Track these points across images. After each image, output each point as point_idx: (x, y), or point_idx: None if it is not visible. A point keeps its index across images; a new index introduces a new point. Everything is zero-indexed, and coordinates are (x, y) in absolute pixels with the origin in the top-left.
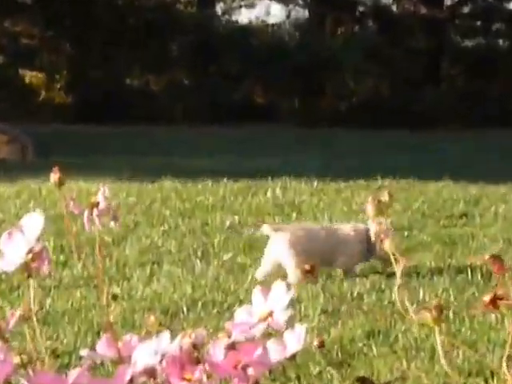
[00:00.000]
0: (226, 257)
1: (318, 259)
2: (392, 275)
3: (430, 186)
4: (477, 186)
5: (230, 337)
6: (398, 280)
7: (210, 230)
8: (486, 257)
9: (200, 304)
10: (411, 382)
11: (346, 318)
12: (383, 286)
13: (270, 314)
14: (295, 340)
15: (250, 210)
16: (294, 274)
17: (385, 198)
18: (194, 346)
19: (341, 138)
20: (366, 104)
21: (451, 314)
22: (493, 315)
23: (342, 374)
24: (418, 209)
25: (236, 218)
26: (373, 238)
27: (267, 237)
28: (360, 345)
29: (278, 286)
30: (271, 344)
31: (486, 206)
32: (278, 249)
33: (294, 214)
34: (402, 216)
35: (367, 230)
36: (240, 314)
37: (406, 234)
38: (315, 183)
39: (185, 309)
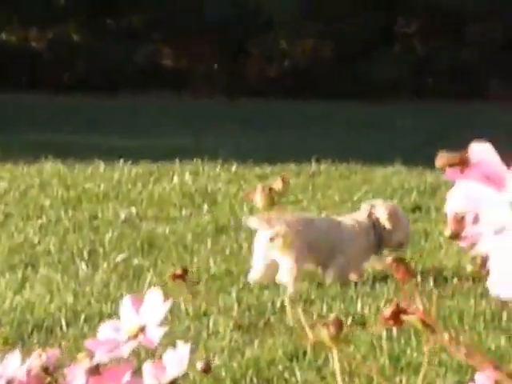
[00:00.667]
0: (118, 258)
1: (318, 258)
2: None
3: (377, 173)
4: (434, 172)
5: (92, 358)
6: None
7: (100, 224)
8: (388, 260)
9: (83, 316)
10: None
11: (265, 335)
12: (313, 296)
13: (142, 330)
14: (176, 362)
15: (152, 200)
16: (289, 273)
17: (277, 185)
18: (46, 370)
19: (268, 111)
20: (302, 69)
21: (395, 332)
22: (445, 333)
23: None
24: (360, 200)
25: (133, 209)
26: (385, 225)
27: (254, 231)
28: (280, 368)
29: (152, 295)
30: (146, 367)
31: (444, 198)
32: (272, 245)
33: (206, 206)
34: (340, 209)
35: (375, 218)
36: (105, 329)
37: None
38: (234, 167)
39: (64, 322)
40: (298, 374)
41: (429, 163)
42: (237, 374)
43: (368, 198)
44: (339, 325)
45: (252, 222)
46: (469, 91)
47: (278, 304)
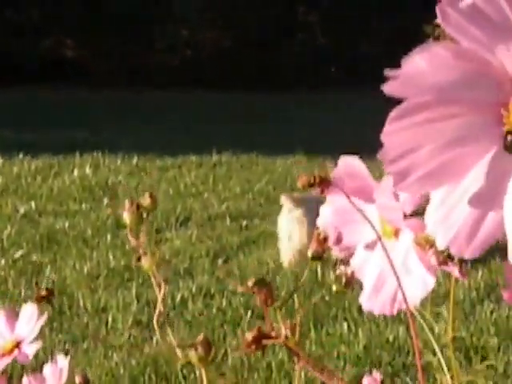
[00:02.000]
0: (17, 254)
1: None
2: (229, 274)
3: (278, 163)
4: (335, 161)
5: None
6: None
7: None
8: (250, 284)
9: None
10: None
11: (165, 331)
12: (213, 290)
13: (18, 346)
14: (56, 375)
15: (51, 194)
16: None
17: (145, 201)
18: None
19: (170, 103)
20: (204, 60)
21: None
22: (345, 324)
23: None
24: (261, 191)
25: (32, 204)
26: None
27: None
28: (179, 366)
29: (27, 309)
30: (25, 381)
31: None
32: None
33: (106, 200)
34: (240, 200)
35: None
36: None
37: (244, 223)
38: (135, 160)
39: None
40: (196, 370)
41: (330, 152)
42: (135, 371)
43: (269, 189)
44: (207, 345)
45: (284, 200)
46: (370, 82)
47: (178, 298)
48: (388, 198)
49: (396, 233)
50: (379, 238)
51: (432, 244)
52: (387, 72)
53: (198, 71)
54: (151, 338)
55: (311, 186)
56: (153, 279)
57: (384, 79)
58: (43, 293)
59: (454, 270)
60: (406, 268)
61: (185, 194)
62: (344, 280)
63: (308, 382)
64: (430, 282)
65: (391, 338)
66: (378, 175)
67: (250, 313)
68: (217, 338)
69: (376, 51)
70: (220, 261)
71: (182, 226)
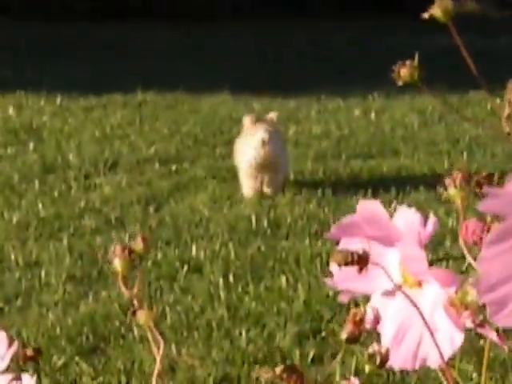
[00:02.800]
0: None
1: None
2: (161, 223)
3: (204, 102)
4: (261, 99)
5: None
6: None
7: None
8: (278, 371)
9: None
10: (182, 373)
11: (99, 286)
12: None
13: None
14: None
15: None
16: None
17: (138, 246)
18: None
19: (92, 36)
20: None
21: (231, 278)
22: (283, 277)
23: (94, 365)
24: (189, 133)
25: None
26: None
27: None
28: (117, 324)
29: None
30: None
31: None
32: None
33: (32, 143)
34: (168, 143)
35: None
36: None
37: (174, 167)
38: (58, 99)
39: None
40: (134, 329)
41: (256, 90)
42: (72, 331)
43: (196, 130)
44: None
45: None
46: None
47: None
48: (412, 248)
49: (419, 282)
50: (400, 288)
51: (468, 305)
52: (487, 189)
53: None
54: (86, 294)
55: (348, 264)
56: (149, 335)
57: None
58: (29, 353)
59: (492, 334)
60: (431, 322)
61: (110, 136)
62: (378, 360)
63: (250, 340)
64: (458, 339)
65: (331, 294)
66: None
67: (186, 266)
68: (153, 294)
69: None
70: (151, 208)
71: (110, 170)
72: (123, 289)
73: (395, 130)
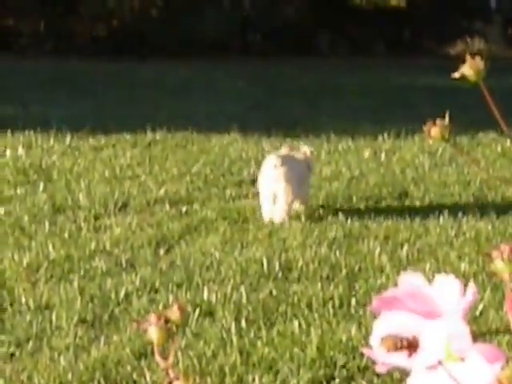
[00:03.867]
0: None
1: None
2: (172, 265)
3: (213, 142)
4: (272, 138)
5: None
6: None
7: None
8: None
9: None
10: None
11: (111, 330)
12: (157, 284)
13: None
14: None
15: None
16: (284, 210)
17: (175, 315)
18: None
19: (101, 75)
20: (131, 29)
21: (244, 322)
22: (296, 322)
23: None
24: (199, 173)
25: None
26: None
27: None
28: (129, 369)
29: None
30: None
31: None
32: (277, 184)
33: (42, 183)
34: (178, 183)
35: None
36: None
37: (184, 208)
38: (68, 139)
39: None
40: (147, 374)
41: (264, 130)
42: (84, 377)
43: (206, 171)
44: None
45: (272, 160)
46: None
47: (122, 293)
48: (456, 324)
49: (462, 358)
50: (441, 363)
51: None
52: None
53: (125, 39)
54: (97, 338)
55: (397, 349)
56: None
57: None
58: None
59: None
60: None
61: (121, 178)
62: None
63: None
64: None
65: (344, 339)
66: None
67: (198, 310)
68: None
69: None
70: (162, 250)
71: (120, 211)
72: (159, 359)
73: (405, 171)
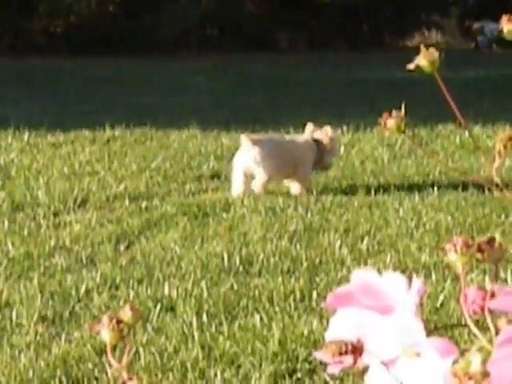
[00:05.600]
0: None
1: (285, 171)
2: (132, 261)
3: (172, 137)
4: (231, 133)
5: None
6: None
7: None
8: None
9: None
10: None
11: (72, 327)
12: (118, 280)
13: None
14: None
15: None
16: (259, 186)
17: (126, 315)
18: None
19: (58, 72)
20: (89, 25)
21: (205, 317)
22: (257, 316)
23: None
24: (159, 169)
25: None
26: (326, 146)
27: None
28: (90, 366)
29: None
30: None
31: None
32: (251, 161)
33: (0, 181)
34: (138, 179)
35: (316, 141)
36: None
37: (144, 204)
38: (26, 136)
39: None
40: (108, 371)
41: (223, 124)
42: (45, 374)
43: (166, 166)
44: None
45: (242, 138)
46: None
47: (83, 290)
48: (408, 320)
49: (417, 353)
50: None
51: (472, 376)
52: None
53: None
54: (58, 335)
55: (342, 354)
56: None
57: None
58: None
59: None
60: None
61: (80, 173)
62: None
63: (225, 382)
64: None
65: (306, 332)
66: None
67: (159, 305)
68: (126, 334)
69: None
70: (122, 246)
71: (80, 208)
72: (112, 361)
73: (365, 163)
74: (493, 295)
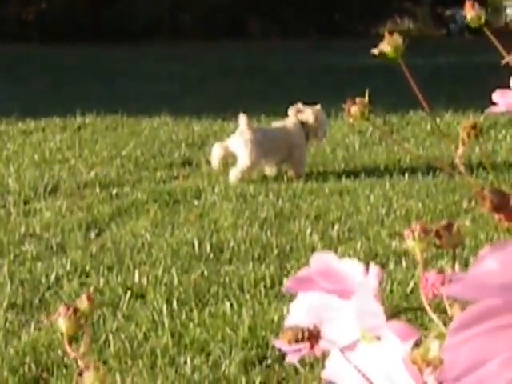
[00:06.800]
0: None
1: (278, 158)
2: (103, 248)
3: (144, 125)
4: (202, 121)
5: None
6: None
7: None
8: None
9: None
10: None
11: (41, 314)
12: (88, 267)
13: None
14: None
15: None
16: (238, 173)
17: (83, 304)
18: None
19: (29, 59)
20: (60, 12)
21: (175, 304)
22: (227, 303)
23: None
24: (130, 156)
25: None
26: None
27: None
28: (60, 353)
29: None
30: None
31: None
32: (240, 145)
33: None
34: (109, 166)
35: (302, 123)
36: None
37: (114, 191)
38: None
39: None
40: (79, 360)
41: (195, 112)
42: (14, 361)
43: (137, 154)
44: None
45: (241, 118)
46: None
47: (53, 277)
48: (368, 303)
49: (377, 337)
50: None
51: (430, 362)
52: (452, 275)
53: (52, 23)
54: (28, 323)
55: (298, 341)
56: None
57: None
58: None
59: None
60: (390, 379)
61: (51, 161)
62: None
63: (195, 368)
64: None
65: (276, 319)
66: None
67: (129, 293)
68: (96, 323)
69: None
70: (93, 234)
71: (50, 195)
72: (69, 350)
73: (336, 151)
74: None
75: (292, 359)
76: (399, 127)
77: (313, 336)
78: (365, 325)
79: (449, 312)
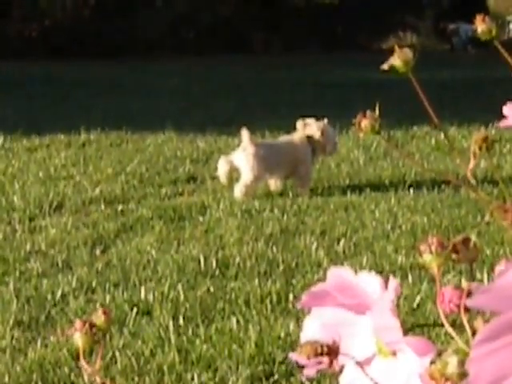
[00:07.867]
0: None
1: (283, 172)
2: (108, 265)
3: (148, 141)
4: (206, 138)
5: None
6: None
7: None
8: None
9: None
10: None
11: (48, 331)
12: (94, 284)
13: None
14: None
15: None
16: (242, 187)
17: (99, 319)
18: None
19: (34, 75)
20: (63, 29)
21: (181, 321)
22: (234, 319)
23: None
24: (134, 172)
25: None
26: (318, 140)
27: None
28: (67, 370)
29: None
30: None
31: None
32: (242, 160)
33: None
34: (113, 183)
35: (310, 137)
36: None
37: (119, 208)
38: (1, 140)
39: None
40: (84, 375)
41: (199, 128)
42: (21, 378)
43: (142, 170)
44: None
45: (243, 133)
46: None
47: (59, 294)
48: (384, 317)
49: (394, 352)
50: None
51: (449, 378)
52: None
53: (57, 39)
54: (34, 340)
55: (317, 355)
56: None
57: None
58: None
59: None
60: None
61: (56, 178)
62: None
63: None
64: None
65: (283, 335)
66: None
67: (135, 309)
68: (102, 338)
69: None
70: (98, 250)
71: (55, 212)
72: (85, 366)
73: (341, 166)
74: (469, 294)
75: (310, 372)
76: (404, 142)
77: (332, 351)
78: (381, 339)
79: (466, 327)
